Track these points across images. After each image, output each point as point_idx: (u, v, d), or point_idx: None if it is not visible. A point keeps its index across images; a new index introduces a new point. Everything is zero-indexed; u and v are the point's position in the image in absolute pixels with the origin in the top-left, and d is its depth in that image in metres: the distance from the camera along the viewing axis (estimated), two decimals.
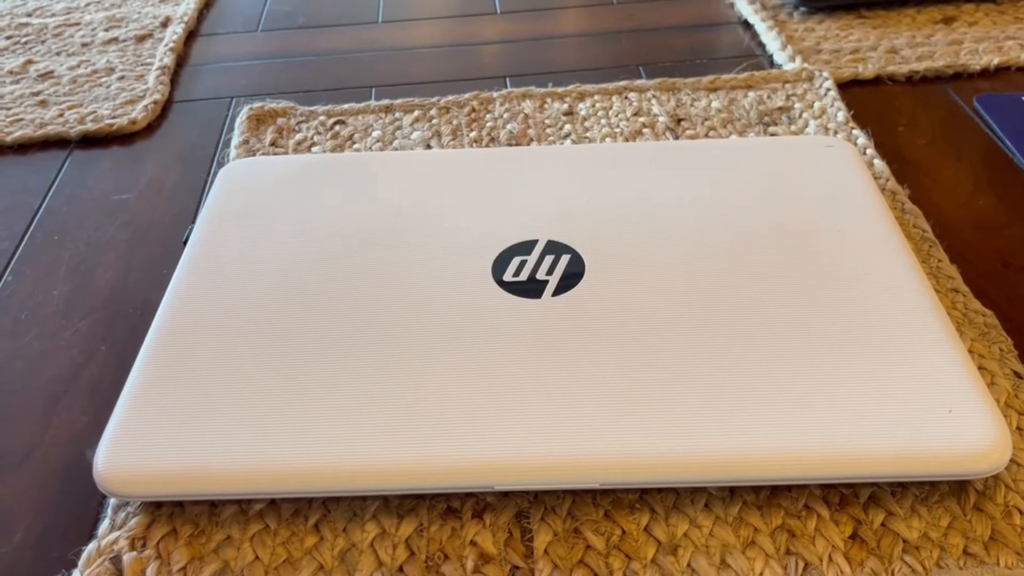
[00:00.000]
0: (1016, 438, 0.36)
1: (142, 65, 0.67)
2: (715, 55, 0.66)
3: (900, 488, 0.34)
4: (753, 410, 0.34)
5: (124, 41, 0.70)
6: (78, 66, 0.67)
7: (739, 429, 0.33)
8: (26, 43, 0.71)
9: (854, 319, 0.37)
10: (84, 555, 0.33)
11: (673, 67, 0.65)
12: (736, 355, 0.36)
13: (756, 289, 0.39)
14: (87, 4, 0.77)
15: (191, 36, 0.73)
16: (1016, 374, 0.38)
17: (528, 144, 0.56)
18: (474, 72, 0.66)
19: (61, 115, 0.61)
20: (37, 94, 0.63)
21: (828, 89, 0.58)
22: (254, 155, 0.56)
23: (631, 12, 0.73)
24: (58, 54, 0.69)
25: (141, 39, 0.70)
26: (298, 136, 0.58)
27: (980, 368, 0.38)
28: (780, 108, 0.57)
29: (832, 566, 0.32)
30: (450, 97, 0.60)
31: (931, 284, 0.42)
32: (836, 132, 0.55)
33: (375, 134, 0.58)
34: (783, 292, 0.38)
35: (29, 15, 0.75)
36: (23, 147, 0.59)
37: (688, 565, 0.32)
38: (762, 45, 0.67)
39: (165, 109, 0.63)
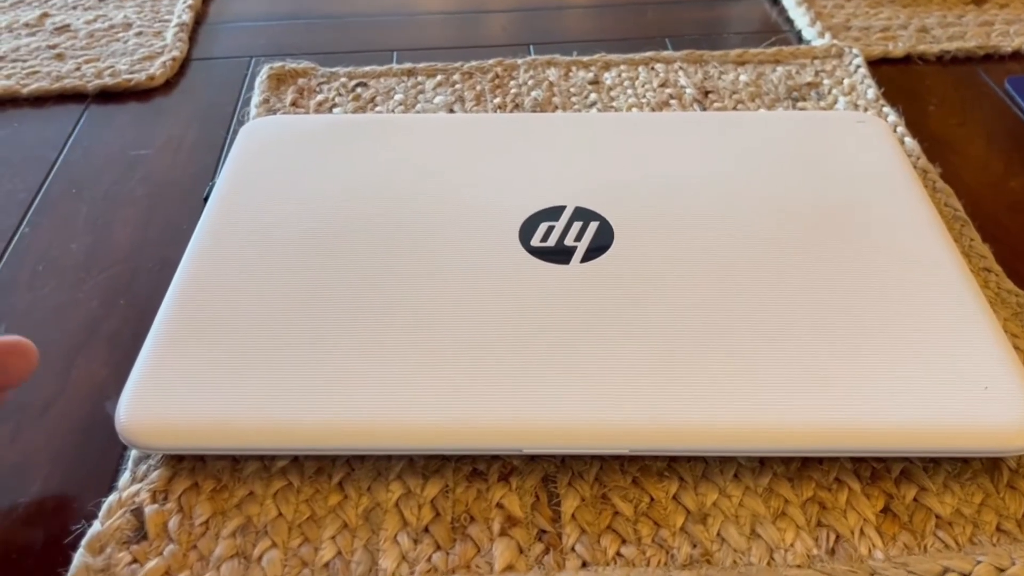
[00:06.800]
0: None
1: (160, 22, 0.66)
2: (741, 29, 0.65)
3: (932, 464, 0.34)
4: (785, 381, 0.33)
5: None
6: (95, 20, 0.66)
7: (770, 399, 0.33)
8: None
9: (888, 293, 0.36)
10: (105, 506, 0.33)
11: (699, 39, 0.64)
12: (768, 326, 0.35)
13: (789, 261, 0.38)
14: None
15: None
16: None
17: (553, 112, 0.55)
18: (497, 39, 0.65)
19: (78, 68, 0.60)
20: (54, 47, 0.62)
21: (858, 66, 0.57)
22: (275, 114, 0.55)
23: None
24: (74, 8, 0.68)
25: None
26: (319, 97, 0.57)
27: (1014, 347, 0.38)
28: (809, 83, 0.57)
29: (864, 539, 0.31)
30: (474, 62, 0.59)
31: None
32: (866, 109, 0.54)
33: (397, 97, 0.57)
34: (816, 265, 0.38)
35: None
36: (39, 100, 0.58)
37: (718, 534, 0.32)
38: (790, 21, 0.66)
39: (183, 66, 0.62)
